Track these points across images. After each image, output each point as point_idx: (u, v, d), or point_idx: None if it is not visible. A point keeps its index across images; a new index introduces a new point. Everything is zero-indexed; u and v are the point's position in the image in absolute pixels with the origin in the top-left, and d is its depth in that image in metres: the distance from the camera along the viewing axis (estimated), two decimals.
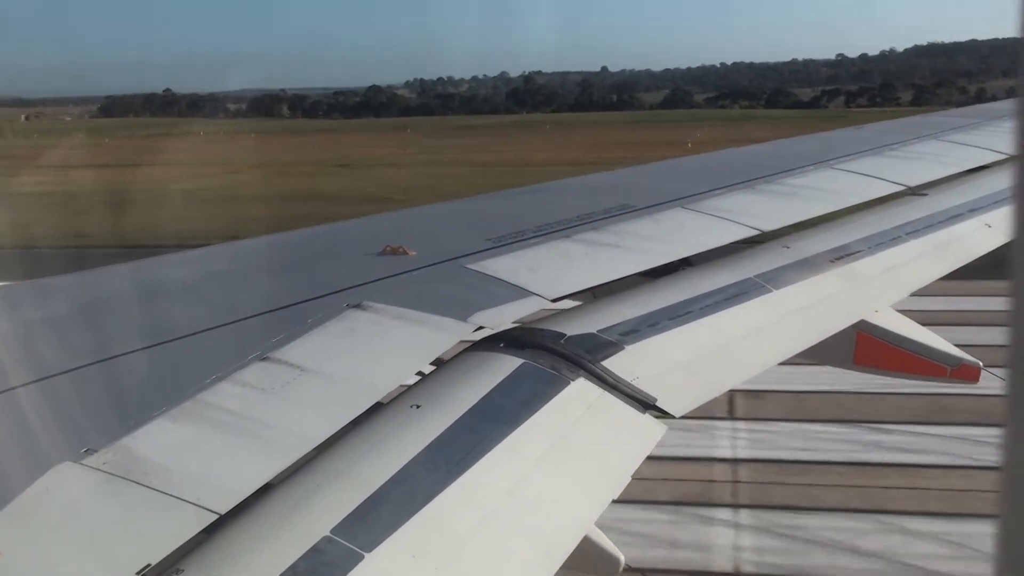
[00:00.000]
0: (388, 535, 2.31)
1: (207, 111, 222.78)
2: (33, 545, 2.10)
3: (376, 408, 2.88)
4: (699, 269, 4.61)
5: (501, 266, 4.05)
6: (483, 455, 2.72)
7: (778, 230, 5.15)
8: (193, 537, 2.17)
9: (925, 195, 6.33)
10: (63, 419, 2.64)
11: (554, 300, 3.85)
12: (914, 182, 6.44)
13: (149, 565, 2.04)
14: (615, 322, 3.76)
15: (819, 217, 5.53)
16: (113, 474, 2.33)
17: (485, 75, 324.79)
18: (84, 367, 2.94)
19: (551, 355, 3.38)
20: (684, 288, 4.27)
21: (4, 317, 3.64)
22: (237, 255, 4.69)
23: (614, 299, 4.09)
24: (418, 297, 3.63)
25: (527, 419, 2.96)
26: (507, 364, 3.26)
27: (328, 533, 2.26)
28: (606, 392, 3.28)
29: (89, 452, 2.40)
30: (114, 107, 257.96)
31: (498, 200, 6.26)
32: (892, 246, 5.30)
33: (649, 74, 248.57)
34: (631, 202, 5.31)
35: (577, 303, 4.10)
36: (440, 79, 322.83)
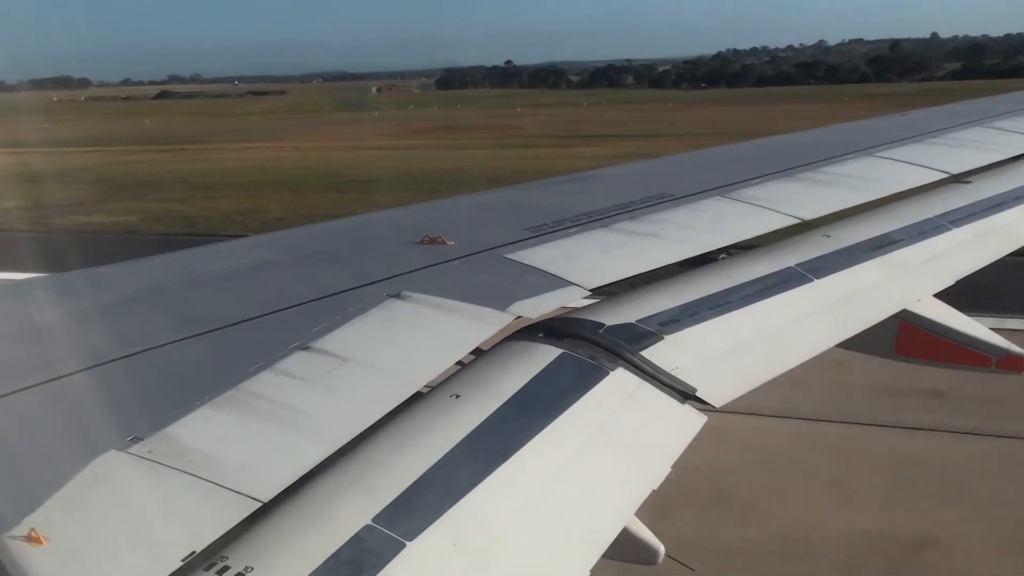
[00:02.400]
0: (429, 524, 2.32)
1: (550, 82, 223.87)
2: (80, 532, 2.13)
3: (416, 398, 2.88)
4: (739, 258, 4.57)
5: (540, 256, 4.03)
6: (522, 445, 2.72)
7: (819, 219, 5.06)
8: (237, 525, 2.18)
9: (969, 183, 6.20)
10: (109, 408, 2.66)
11: (593, 290, 3.80)
12: (957, 169, 6.30)
13: (194, 552, 2.06)
14: (654, 312, 3.73)
15: (860, 205, 5.44)
16: (158, 462, 2.36)
17: (801, 44, 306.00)
18: (129, 356, 2.95)
19: (590, 345, 3.37)
20: (724, 277, 4.23)
21: (55, 306, 3.66)
22: (278, 245, 4.64)
23: (653, 289, 4.05)
24: (457, 287, 3.62)
25: (566, 409, 2.96)
26: (546, 354, 3.25)
27: (370, 522, 2.29)
28: (645, 382, 3.25)
29: (135, 440, 2.43)
30: (452, 79, 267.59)
31: (537, 189, 6.15)
32: (935, 235, 5.23)
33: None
34: (670, 191, 5.24)
35: (616, 293, 4.02)
36: (754, 48, 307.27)
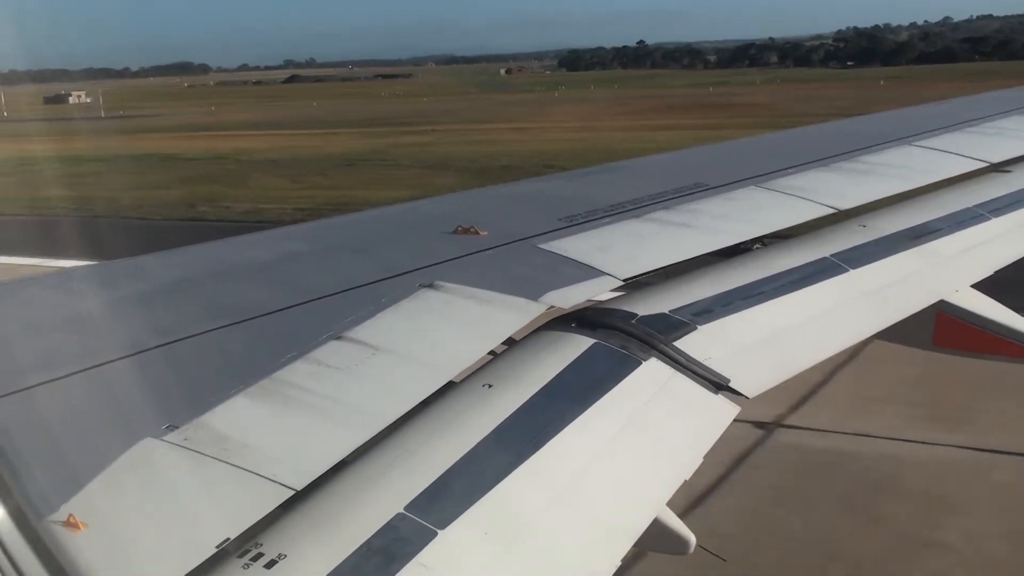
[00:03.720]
0: (461, 513, 2.33)
1: (685, 62, 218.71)
2: (117, 519, 2.16)
3: (448, 387, 2.89)
4: (773, 248, 4.53)
5: (572, 246, 4.01)
6: (555, 435, 2.73)
7: (855, 208, 5.00)
8: (271, 512, 2.21)
9: (1008, 172, 6.08)
10: (146, 396, 2.70)
11: (625, 280, 3.79)
12: (996, 158, 6.19)
13: (229, 539, 2.09)
14: (687, 302, 3.71)
15: (897, 195, 5.37)
16: (194, 450, 2.38)
17: (926, 20, 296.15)
18: (165, 345, 2.98)
19: (622, 335, 3.35)
20: (758, 268, 4.19)
21: (91, 295, 3.70)
22: (311, 235, 4.66)
23: (686, 279, 4.03)
24: (490, 277, 3.61)
25: (598, 399, 2.95)
26: (578, 344, 3.24)
27: (402, 510, 2.30)
28: (678, 372, 3.24)
29: (171, 428, 2.45)
30: (576, 60, 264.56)
31: (570, 179, 6.17)
32: (973, 224, 5.13)
33: None
34: (704, 180, 5.18)
35: (649, 283, 4.00)
36: (876, 26, 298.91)
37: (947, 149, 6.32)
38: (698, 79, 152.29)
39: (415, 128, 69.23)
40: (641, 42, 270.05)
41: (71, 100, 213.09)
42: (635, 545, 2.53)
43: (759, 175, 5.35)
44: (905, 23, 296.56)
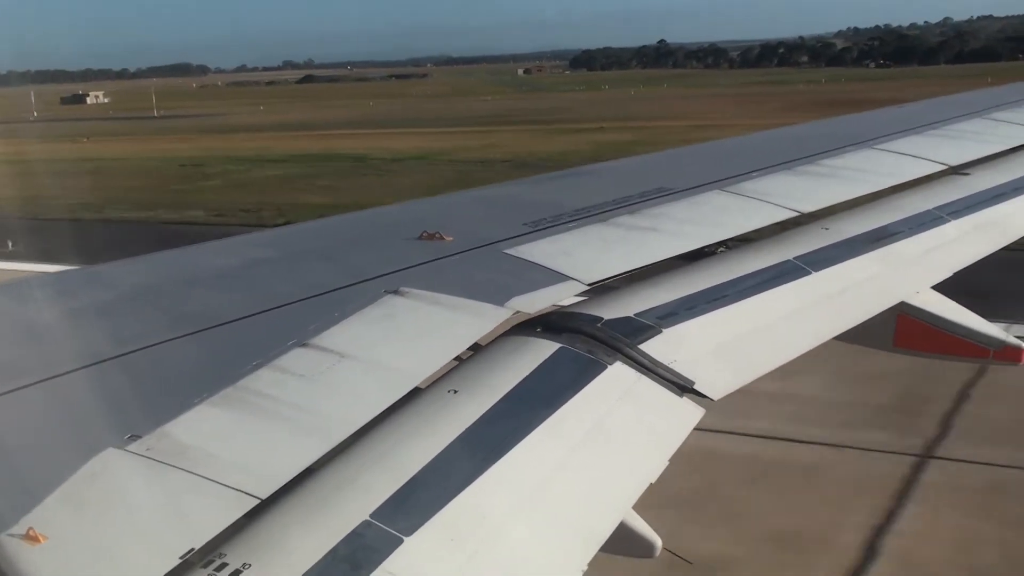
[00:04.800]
0: (427, 519, 2.33)
1: (708, 62, 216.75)
2: (78, 531, 2.13)
3: (414, 393, 2.88)
4: (737, 252, 4.54)
5: (538, 251, 4.01)
6: (521, 439, 2.72)
7: (817, 212, 5.04)
8: (235, 522, 2.19)
9: (968, 175, 6.17)
10: (108, 406, 2.67)
11: (591, 284, 3.79)
12: (956, 161, 6.27)
13: (192, 549, 2.07)
14: (652, 305, 3.72)
15: (859, 198, 5.40)
16: (157, 460, 2.35)
17: (926, 21, 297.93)
18: (127, 354, 2.95)
19: (588, 339, 3.35)
20: (722, 271, 4.22)
21: (51, 304, 3.66)
22: (277, 241, 4.66)
23: (651, 283, 4.04)
24: (455, 282, 3.61)
25: (564, 403, 2.95)
26: (544, 348, 3.24)
27: (368, 517, 2.29)
28: (643, 375, 3.25)
29: (133, 438, 2.43)
30: (590, 60, 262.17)
31: (535, 184, 6.20)
32: (933, 226, 5.20)
33: None
34: (668, 185, 5.20)
35: (614, 287, 4.01)
36: (877, 27, 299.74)
37: (908, 152, 6.34)
38: (746, 78, 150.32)
39: (580, 125, 65.64)
40: (662, 41, 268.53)
41: (89, 100, 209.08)
42: (601, 549, 2.52)
43: (723, 179, 5.34)
44: (905, 23, 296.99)
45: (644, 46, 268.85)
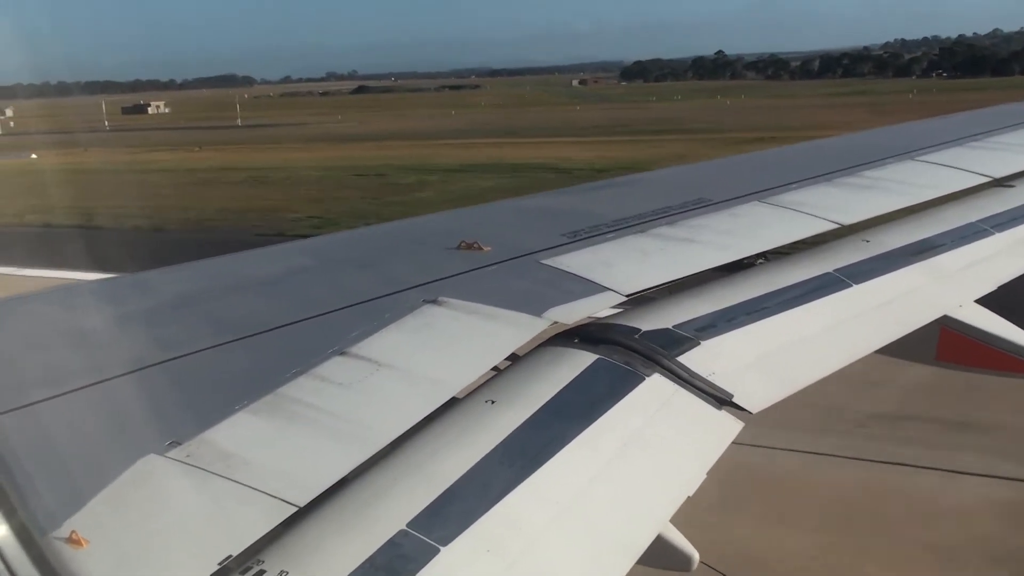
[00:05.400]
0: (463, 529, 2.32)
1: (769, 73, 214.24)
2: (119, 535, 2.16)
3: (452, 403, 2.88)
4: (777, 263, 4.52)
5: (576, 261, 4.00)
6: (558, 450, 2.72)
7: (858, 224, 4.98)
8: (273, 529, 2.21)
9: (1012, 187, 6.07)
10: (149, 412, 2.70)
11: (629, 295, 3.77)
12: (1000, 173, 6.18)
13: (231, 556, 2.09)
14: (691, 317, 3.70)
15: (901, 210, 5.35)
16: (196, 466, 2.38)
17: (975, 32, 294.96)
18: (167, 361, 2.99)
19: (626, 351, 3.34)
20: (761, 283, 4.19)
21: (97, 310, 3.71)
22: (317, 250, 4.67)
23: (690, 294, 4.03)
24: (493, 292, 3.61)
25: (602, 415, 2.95)
26: (582, 359, 3.24)
27: (404, 527, 2.30)
28: (681, 388, 3.23)
29: (173, 444, 2.45)
30: (644, 72, 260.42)
31: (573, 195, 6.20)
32: (977, 239, 5.13)
33: None
34: (707, 196, 5.16)
35: (653, 298, 4.00)
36: (925, 39, 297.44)
37: (950, 164, 6.25)
38: (827, 88, 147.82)
39: (737, 135, 63.12)
40: (720, 52, 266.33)
41: (150, 111, 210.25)
42: (638, 562, 2.52)
43: (762, 190, 5.30)
44: (953, 35, 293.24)
45: (700, 56, 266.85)
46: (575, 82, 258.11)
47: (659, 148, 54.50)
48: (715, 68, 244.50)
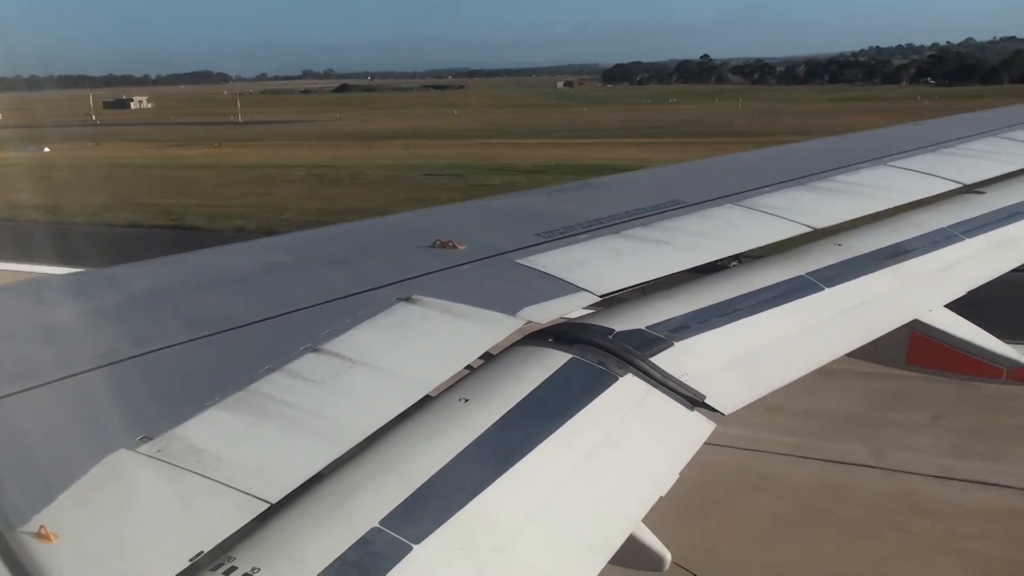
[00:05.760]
0: (436, 527, 2.33)
1: (754, 77, 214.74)
2: (88, 531, 2.15)
3: (425, 401, 2.89)
4: (750, 266, 4.55)
5: (550, 261, 4.01)
6: (531, 449, 2.73)
7: (831, 227, 5.03)
8: (245, 525, 2.20)
9: (983, 193, 6.16)
10: (120, 407, 2.68)
11: (603, 296, 3.78)
12: (971, 180, 6.25)
13: (202, 552, 2.08)
14: (664, 318, 3.72)
15: (873, 215, 5.40)
16: (168, 462, 2.37)
17: (948, 41, 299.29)
18: (139, 356, 2.97)
19: (599, 351, 3.36)
20: (734, 285, 4.21)
21: (66, 305, 3.68)
22: (289, 247, 4.62)
23: (663, 295, 4.05)
24: (467, 291, 3.61)
25: (575, 414, 2.95)
26: (555, 359, 3.25)
27: (377, 524, 2.30)
28: (654, 388, 3.25)
29: (145, 440, 2.44)
30: (627, 74, 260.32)
31: (548, 195, 6.18)
32: (947, 244, 5.19)
33: None
34: (681, 198, 5.20)
35: (626, 299, 4.00)
36: (899, 46, 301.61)
37: (921, 170, 6.29)
38: (825, 95, 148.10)
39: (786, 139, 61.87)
40: (705, 56, 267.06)
41: (132, 105, 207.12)
42: (611, 561, 2.52)
43: (736, 193, 5.32)
44: (927, 43, 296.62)
45: (686, 60, 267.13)
46: (560, 84, 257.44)
47: (722, 150, 53.43)
48: (700, 72, 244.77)
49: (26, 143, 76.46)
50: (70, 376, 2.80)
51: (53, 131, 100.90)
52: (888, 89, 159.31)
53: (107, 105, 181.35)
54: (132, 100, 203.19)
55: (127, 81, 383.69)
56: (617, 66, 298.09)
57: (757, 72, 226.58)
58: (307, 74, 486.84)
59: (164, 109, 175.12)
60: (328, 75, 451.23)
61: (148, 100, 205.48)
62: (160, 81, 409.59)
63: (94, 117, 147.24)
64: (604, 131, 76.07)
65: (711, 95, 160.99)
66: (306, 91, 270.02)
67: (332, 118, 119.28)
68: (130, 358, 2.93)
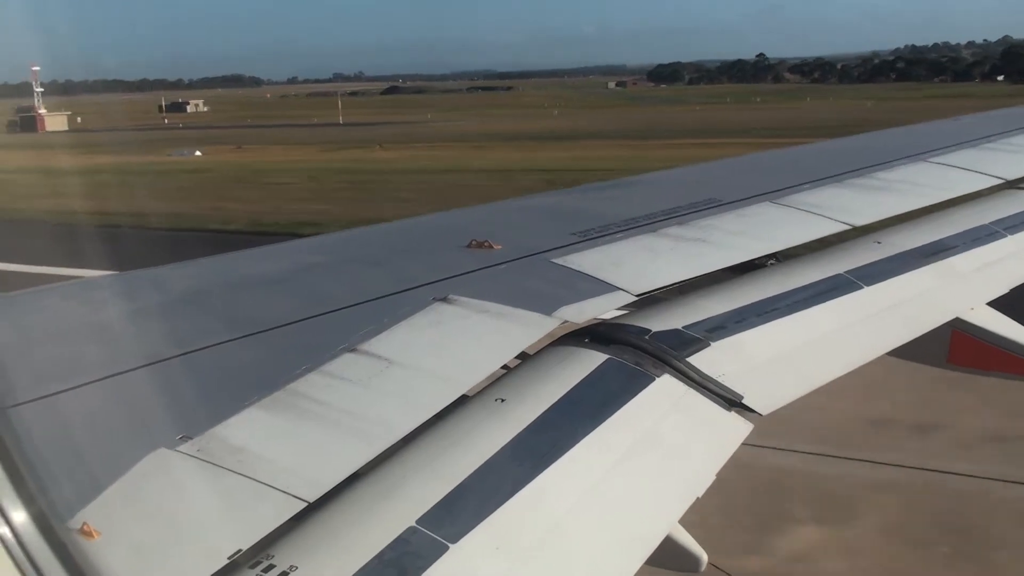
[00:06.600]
0: (473, 527, 2.33)
1: (814, 77, 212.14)
2: (130, 528, 2.18)
3: (461, 401, 2.89)
4: (787, 265, 4.51)
5: (586, 260, 4.00)
6: (567, 450, 2.72)
7: (870, 225, 4.96)
8: (283, 524, 2.22)
9: None
10: (161, 406, 2.71)
11: (639, 295, 3.77)
12: (1013, 175, 6.12)
13: (240, 550, 2.10)
14: (701, 318, 3.69)
15: (913, 212, 5.32)
16: (207, 461, 2.39)
17: (985, 39, 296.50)
18: (180, 356, 3.00)
19: (636, 351, 3.34)
20: (772, 284, 4.17)
21: (110, 305, 3.72)
22: (327, 248, 4.67)
23: (700, 295, 4.01)
24: (503, 291, 3.60)
25: (611, 415, 2.95)
26: (592, 359, 3.24)
27: (413, 523, 2.31)
28: (691, 389, 3.23)
29: (184, 439, 2.47)
30: (675, 74, 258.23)
31: (584, 194, 6.17)
32: (989, 241, 5.09)
33: None
34: (718, 196, 5.14)
35: (663, 298, 3.98)
36: (935, 44, 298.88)
37: (962, 165, 6.18)
38: (908, 92, 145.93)
39: None
40: (761, 55, 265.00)
41: (188, 109, 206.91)
42: (646, 562, 2.52)
43: (773, 191, 5.27)
44: (963, 41, 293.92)
45: (740, 60, 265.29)
46: (611, 84, 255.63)
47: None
48: (756, 71, 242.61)
49: (169, 147, 75.24)
50: (112, 376, 2.82)
51: (134, 135, 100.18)
52: (971, 86, 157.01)
53: (166, 109, 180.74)
54: (188, 103, 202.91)
55: (161, 85, 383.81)
56: (659, 66, 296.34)
57: (817, 71, 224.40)
58: (337, 76, 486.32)
59: (221, 112, 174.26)
60: (357, 78, 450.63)
61: (204, 103, 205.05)
62: (194, 85, 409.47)
63: (166, 120, 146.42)
64: (711, 132, 73.00)
65: (779, 94, 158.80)
66: (353, 93, 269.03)
67: (425, 119, 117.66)
68: (170, 358, 2.96)
